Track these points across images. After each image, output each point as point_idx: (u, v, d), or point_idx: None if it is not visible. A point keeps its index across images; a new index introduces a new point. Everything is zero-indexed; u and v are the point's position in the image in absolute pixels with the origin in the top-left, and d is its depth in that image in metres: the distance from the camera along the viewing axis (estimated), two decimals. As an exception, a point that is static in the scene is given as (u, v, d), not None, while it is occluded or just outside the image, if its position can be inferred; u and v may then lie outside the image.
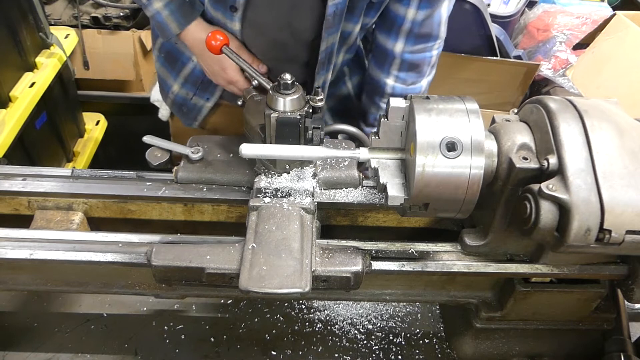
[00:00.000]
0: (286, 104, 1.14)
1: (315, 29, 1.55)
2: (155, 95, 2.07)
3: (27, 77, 2.50)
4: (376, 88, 1.77)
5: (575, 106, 1.03)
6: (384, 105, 1.78)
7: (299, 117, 1.14)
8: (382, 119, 1.11)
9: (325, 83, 1.70)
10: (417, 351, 1.46)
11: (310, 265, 1.04)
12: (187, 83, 1.81)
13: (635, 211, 0.93)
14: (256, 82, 1.39)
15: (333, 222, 1.33)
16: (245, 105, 1.33)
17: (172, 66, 1.81)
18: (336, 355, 1.44)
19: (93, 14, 3.02)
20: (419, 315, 1.55)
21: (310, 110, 1.17)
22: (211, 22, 1.59)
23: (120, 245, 1.15)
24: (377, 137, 1.12)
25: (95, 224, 1.34)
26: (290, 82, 1.13)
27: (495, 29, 3.34)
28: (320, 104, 1.18)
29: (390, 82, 1.73)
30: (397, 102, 1.08)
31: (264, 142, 1.20)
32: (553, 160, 0.98)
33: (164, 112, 2.05)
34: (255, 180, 1.22)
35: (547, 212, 0.96)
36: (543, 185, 0.96)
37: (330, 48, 1.59)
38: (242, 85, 1.58)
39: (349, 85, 1.90)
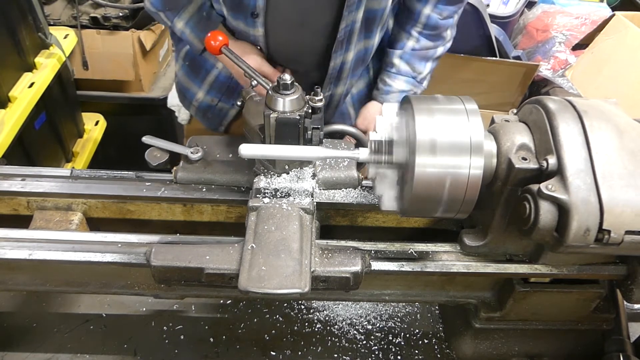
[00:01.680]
0: (285, 104, 1.14)
1: (335, 11, 1.57)
2: (172, 100, 2.09)
3: (26, 77, 2.50)
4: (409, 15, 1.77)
5: (574, 106, 1.03)
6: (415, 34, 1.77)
7: (298, 117, 1.14)
8: (377, 116, 1.13)
9: (344, 64, 1.70)
10: (417, 351, 1.46)
11: (310, 266, 1.04)
12: (212, 90, 1.83)
13: (635, 211, 0.93)
14: (255, 82, 1.39)
15: (332, 223, 1.33)
16: (244, 106, 1.33)
17: (197, 74, 1.83)
18: (335, 355, 1.44)
19: (92, 14, 3.02)
20: (418, 315, 1.55)
21: (310, 111, 1.17)
22: (232, 33, 1.60)
23: (120, 245, 1.15)
24: (375, 131, 1.13)
25: (94, 224, 1.34)
26: (289, 82, 1.13)
27: (494, 30, 3.34)
28: (319, 104, 1.18)
29: (426, 11, 1.72)
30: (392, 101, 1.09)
31: (264, 142, 1.20)
32: (552, 160, 0.98)
33: (183, 116, 2.08)
34: (254, 180, 1.22)
35: (547, 213, 0.96)
36: (542, 185, 0.96)
37: (350, 26, 1.60)
38: None
39: (371, 73, 1.92)
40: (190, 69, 1.84)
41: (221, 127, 1.91)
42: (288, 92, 1.14)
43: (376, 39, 1.75)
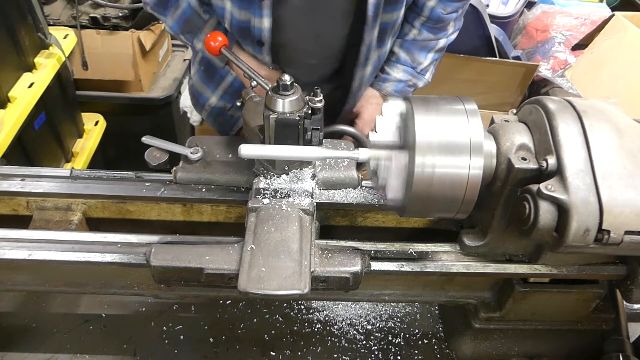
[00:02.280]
0: (285, 105, 1.13)
1: (346, 37, 1.62)
2: (185, 102, 2.10)
3: (26, 77, 2.50)
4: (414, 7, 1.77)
5: (574, 106, 1.03)
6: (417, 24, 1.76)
7: (298, 118, 1.14)
8: (378, 116, 1.12)
9: (363, 78, 1.73)
10: (416, 351, 1.46)
11: (309, 267, 1.04)
12: (225, 95, 1.85)
13: (634, 211, 0.93)
14: (255, 82, 1.39)
15: (332, 223, 1.33)
16: (244, 106, 1.33)
17: (211, 79, 1.84)
18: (335, 355, 1.44)
19: (92, 14, 3.02)
20: (418, 315, 1.55)
21: (310, 112, 1.16)
22: (238, 29, 1.62)
23: (119, 245, 1.15)
24: (375, 132, 1.13)
25: (94, 224, 1.34)
26: (289, 83, 1.13)
27: (494, 30, 3.35)
28: (319, 105, 1.18)
29: (431, 3, 1.71)
30: (393, 101, 1.09)
31: (263, 143, 1.20)
32: (552, 160, 0.98)
33: (195, 118, 2.10)
34: (254, 181, 1.22)
35: (546, 213, 0.96)
36: (542, 185, 0.96)
37: (368, 46, 1.63)
38: None
39: None
40: (205, 73, 1.86)
41: (232, 133, 1.93)
42: (288, 93, 1.14)
43: (388, 46, 1.76)
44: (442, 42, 1.80)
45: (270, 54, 1.61)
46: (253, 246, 1.05)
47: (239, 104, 1.39)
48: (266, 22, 1.54)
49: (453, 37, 1.82)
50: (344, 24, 1.60)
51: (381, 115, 1.12)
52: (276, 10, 1.54)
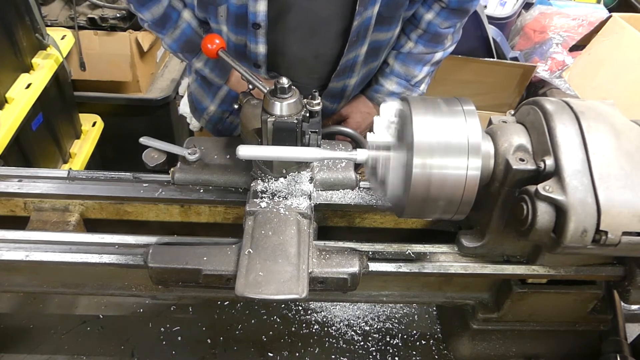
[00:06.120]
0: (283, 108, 1.13)
1: (338, 55, 1.62)
2: (184, 108, 2.11)
3: (24, 78, 2.49)
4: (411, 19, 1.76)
5: (571, 107, 1.03)
6: (414, 37, 1.75)
7: (295, 121, 1.13)
8: (375, 117, 1.12)
9: (346, 87, 1.72)
10: (414, 352, 1.46)
11: (307, 271, 1.03)
12: (223, 103, 1.84)
13: (632, 212, 0.93)
14: (252, 85, 1.39)
15: (330, 224, 1.33)
16: (241, 109, 1.33)
17: (209, 87, 1.84)
18: (333, 356, 1.44)
19: (90, 15, 3.01)
20: (415, 316, 1.55)
21: (307, 115, 1.16)
22: (235, 51, 1.61)
23: (117, 246, 1.15)
24: (372, 132, 1.13)
25: (91, 225, 1.34)
26: (287, 86, 1.13)
27: (492, 31, 3.36)
28: (317, 107, 1.17)
29: (428, 16, 1.70)
30: (391, 102, 1.09)
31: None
32: (550, 161, 0.98)
33: (195, 124, 2.10)
34: (251, 184, 1.21)
35: (544, 214, 0.96)
36: (540, 186, 0.96)
37: (353, 60, 1.63)
38: None
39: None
40: (203, 82, 1.85)
41: None
42: (285, 96, 1.13)
43: (381, 59, 1.75)
44: (439, 56, 1.79)
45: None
46: (251, 250, 1.05)
47: (236, 107, 1.39)
48: (261, 48, 1.56)
49: (450, 49, 1.80)
50: (338, 43, 1.60)
51: (370, 124, 1.12)
52: (274, 35, 1.55)
